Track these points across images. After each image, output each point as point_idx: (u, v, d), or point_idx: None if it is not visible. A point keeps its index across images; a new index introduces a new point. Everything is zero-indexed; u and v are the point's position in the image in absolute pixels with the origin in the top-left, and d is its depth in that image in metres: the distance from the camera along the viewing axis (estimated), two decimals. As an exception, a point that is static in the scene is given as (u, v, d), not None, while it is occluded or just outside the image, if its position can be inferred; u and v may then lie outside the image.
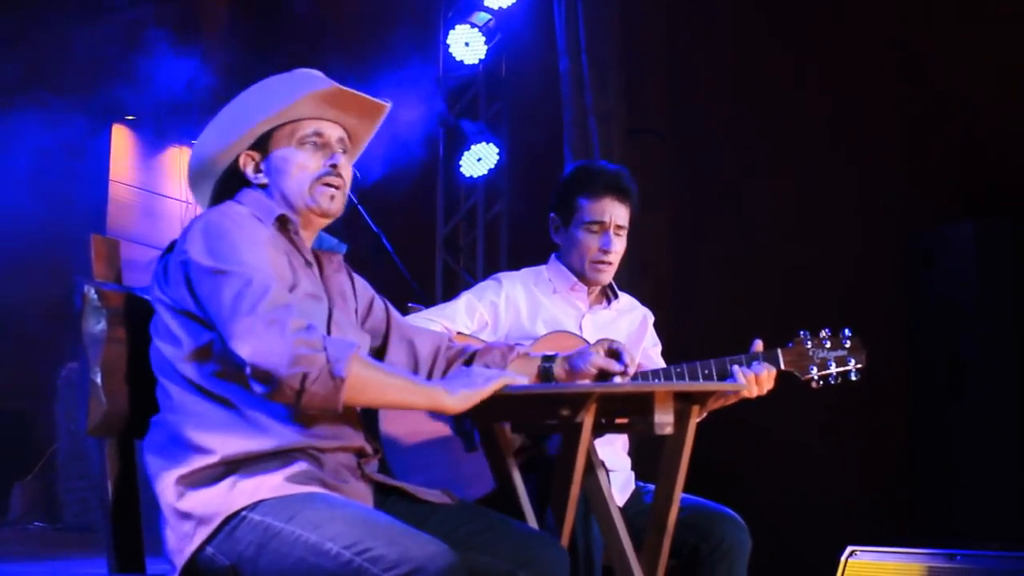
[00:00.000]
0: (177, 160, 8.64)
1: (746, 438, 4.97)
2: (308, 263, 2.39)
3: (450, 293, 6.62)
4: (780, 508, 4.97)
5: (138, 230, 8.16)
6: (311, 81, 2.35)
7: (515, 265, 3.48)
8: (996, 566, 3.57)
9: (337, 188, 2.39)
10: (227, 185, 2.44)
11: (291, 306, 2.12)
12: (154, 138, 8.40)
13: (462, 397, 2.20)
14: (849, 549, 3.86)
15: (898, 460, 5.10)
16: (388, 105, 2.46)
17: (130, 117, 8.07)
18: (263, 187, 2.38)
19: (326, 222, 2.43)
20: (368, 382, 2.13)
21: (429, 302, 4.29)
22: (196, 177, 2.44)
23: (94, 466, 6.47)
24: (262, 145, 2.38)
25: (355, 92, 2.39)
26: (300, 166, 2.37)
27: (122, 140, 8.20)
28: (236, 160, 2.40)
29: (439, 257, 6.79)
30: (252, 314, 2.08)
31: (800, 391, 3.15)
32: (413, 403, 2.20)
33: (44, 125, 6.98)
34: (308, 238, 2.42)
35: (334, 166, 2.38)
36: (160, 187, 8.52)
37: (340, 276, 2.49)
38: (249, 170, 2.39)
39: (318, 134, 2.39)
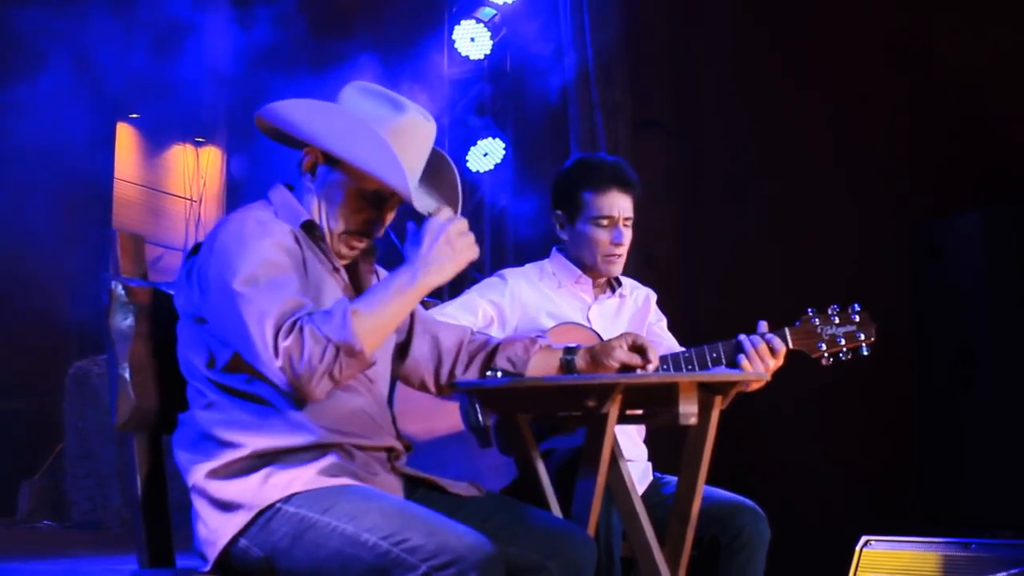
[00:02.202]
0: (181, 158, 8.64)
1: (754, 428, 4.99)
2: (335, 269, 2.38)
3: (457, 288, 6.63)
4: (789, 499, 4.99)
5: (142, 228, 8.17)
6: (398, 179, 2.27)
7: (521, 260, 3.49)
8: (1011, 555, 3.58)
9: (363, 243, 2.39)
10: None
11: (297, 314, 2.13)
12: (159, 136, 8.39)
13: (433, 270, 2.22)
14: (864, 539, 3.87)
15: (908, 450, 5.11)
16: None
17: (134, 115, 8.07)
18: (308, 188, 2.37)
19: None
20: (375, 330, 2.16)
21: (438, 297, 4.30)
22: (263, 122, 2.40)
23: (102, 464, 6.48)
24: (331, 159, 2.34)
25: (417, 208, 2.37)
26: (346, 212, 2.34)
27: (127, 138, 8.20)
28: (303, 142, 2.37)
29: (446, 252, 6.79)
30: (263, 339, 2.10)
31: (810, 379, 3.16)
32: (410, 306, 2.25)
33: (49, 123, 6.98)
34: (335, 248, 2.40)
35: (373, 231, 2.37)
36: (165, 185, 8.52)
37: (370, 277, 2.50)
38: (306, 165, 2.37)
39: (378, 195, 2.34)
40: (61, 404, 6.71)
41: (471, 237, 2.26)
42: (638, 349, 2.58)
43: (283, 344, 2.08)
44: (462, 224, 2.25)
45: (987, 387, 4.80)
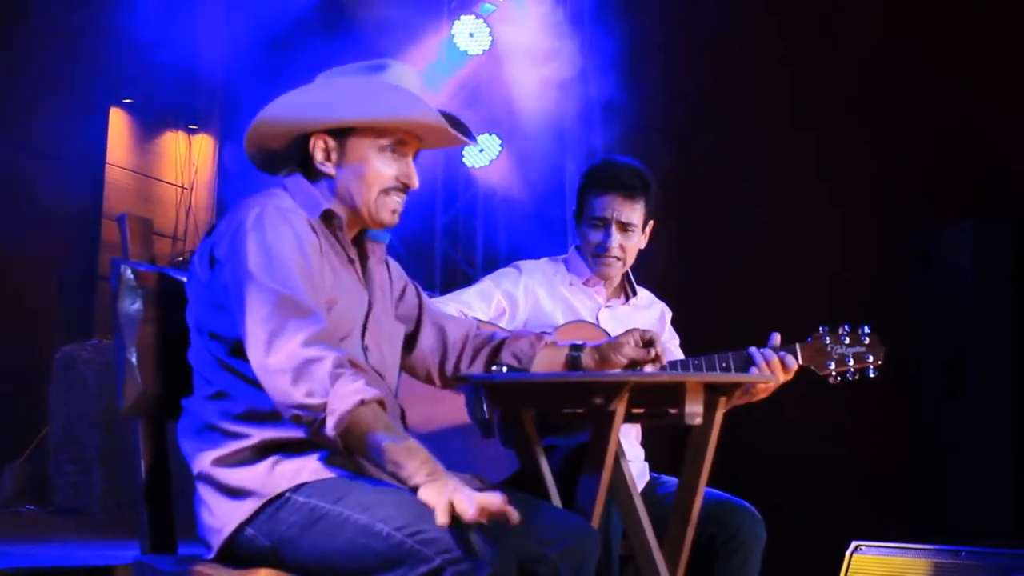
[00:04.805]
0: (174, 144, 8.60)
1: (744, 431, 4.99)
2: (350, 260, 2.36)
3: (449, 282, 6.64)
4: (782, 501, 4.99)
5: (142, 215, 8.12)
6: (419, 107, 2.30)
7: (514, 257, 3.50)
8: (1001, 563, 3.59)
9: (400, 201, 2.37)
10: (288, 156, 2.39)
11: (314, 348, 2.06)
12: (152, 122, 8.35)
13: (435, 492, 1.96)
14: (854, 544, 3.87)
15: (895, 459, 5.13)
16: (469, 142, 2.47)
17: (128, 100, 8.03)
18: (328, 177, 2.34)
19: (378, 228, 2.41)
20: (356, 438, 2.03)
21: (429, 289, 4.30)
22: (255, 136, 2.36)
23: (86, 450, 6.44)
24: (339, 134, 2.33)
25: (457, 135, 2.38)
26: (376, 173, 2.33)
27: (119, 123, 8.16)
28: (304, 137, 2.34)
29: (439, 247, 6.80)
30: (271, 351, 2.06)
31: (806, 385, 3.16)
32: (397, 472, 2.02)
33: (41, 107, 6.94)
34: (352, 233, 2.39)
35: (407, 183, 2.35)
36: (157, 171, 8.48)
37: (380, 267, 2.48)
38: (318, 155, 2.33)
39: (401, 144, 2.35)
40: (47, 387, 6.66)
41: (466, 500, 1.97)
42: (646, 343, 2.59)
43: (288, 359, 2.05)
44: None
45: (974, 398, 4.82)
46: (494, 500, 1.93)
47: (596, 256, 3.24)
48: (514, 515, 1.93)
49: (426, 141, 2.41)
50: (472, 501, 1.91)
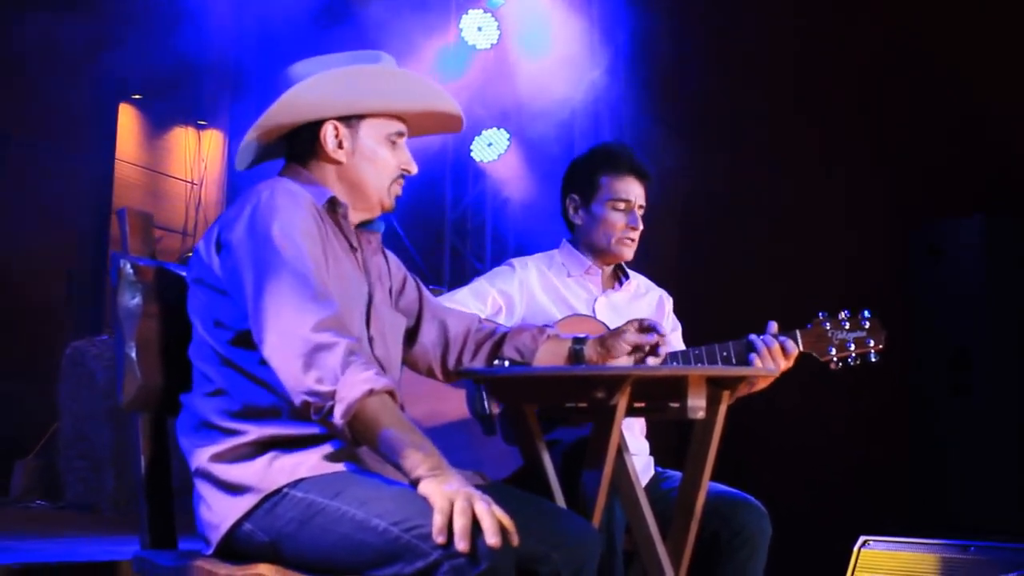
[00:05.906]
0: (183, 140, 8.61)
1: (745, 425, 4.98)
2: (353, 248, 2.36)
3: (458, 276, 6.64)
4: (787, 496, 4.98)
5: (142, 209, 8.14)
6: (437, 97, 2.41)
7: (523, 251, 3.50)
8: (1010, 558, 3.57)
9: (401, 187, 2.43)
10: (275, 151, 2.41)
11: (326, 334, 2.05)
12: (161, 118, 8.36)
13: (436, 487, 1.95)
14: (862, 539, 3.86)
15: (901, 453, 5.12)
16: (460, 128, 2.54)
17: (137, 96, 8.04)
18: (335, 164, 2.35)
19: (382, 213, 2.44)
20: (365, 426, 2.02)
21: (438, 284, 4.31)
22: (267, 123, 2.34)
23: (95, 447, 6.46)
24: (351, 122, 2.36)
25: (460, 115, 2.47)
26: (385, 162, 2.38)
27: (128, 119, 8.17)
28: (309, 127, 2.34)
29: (447, 241, 6.80)
30: (283, 333, 2.05)
31: (812, 378, 3.15)
32: (401, 463, 2.01)
33: (50, 103, 6.95)
34: (353, 222, 2.40)
35: (408, 169, 2.41)
36: (166, 167, 8.49)
37: (377, 257, 2.48)
38: (330, 142, 2.34)
39: (401, 134, 2.41)
40: (55, 384, 6.67)
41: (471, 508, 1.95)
42: (648, 330, 2.58)
43: (303, 342, 2.03)
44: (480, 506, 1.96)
45: (981, 393, 4.81)
46: (504, 515, 1.93)
47: (623, 239, 3.25)
48: (513, 539, 1.93)
49: (414, 129, 2.45)
50: (488, 503, 1.92)
